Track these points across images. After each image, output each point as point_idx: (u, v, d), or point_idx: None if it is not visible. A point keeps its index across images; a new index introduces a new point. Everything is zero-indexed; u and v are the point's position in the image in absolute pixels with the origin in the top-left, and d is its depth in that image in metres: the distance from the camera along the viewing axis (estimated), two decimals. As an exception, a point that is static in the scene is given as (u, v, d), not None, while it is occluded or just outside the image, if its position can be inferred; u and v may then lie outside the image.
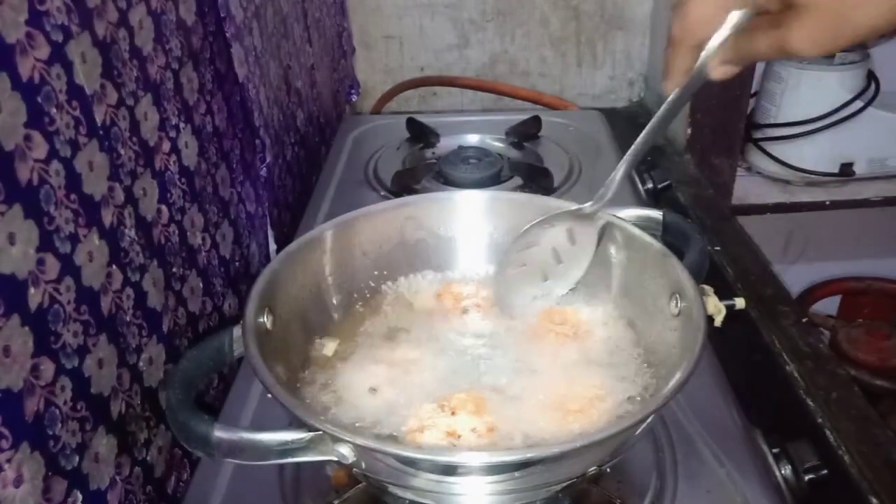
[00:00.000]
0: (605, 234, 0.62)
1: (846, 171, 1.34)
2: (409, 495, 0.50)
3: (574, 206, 0.61)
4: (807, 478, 0.61)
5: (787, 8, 0.44)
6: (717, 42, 0.48)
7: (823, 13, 0.43)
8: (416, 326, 0.63)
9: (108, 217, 0.53)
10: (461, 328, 0.63)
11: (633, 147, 0.56)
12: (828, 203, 1.35)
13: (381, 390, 0.55)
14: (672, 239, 0.60)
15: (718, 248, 1.00)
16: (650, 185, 1.06)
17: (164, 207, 0.63)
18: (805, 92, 1.30)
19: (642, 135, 0.55)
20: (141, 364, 0.58)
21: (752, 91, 1.28)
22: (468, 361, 0.59)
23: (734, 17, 0.47)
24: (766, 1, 0.45)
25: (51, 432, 0.45)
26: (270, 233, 0.91)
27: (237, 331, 0.52)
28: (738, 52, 0.48)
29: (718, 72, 0.50)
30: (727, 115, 1.25)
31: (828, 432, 0.70)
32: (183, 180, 0.67)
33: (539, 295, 0.64)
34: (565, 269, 0.63)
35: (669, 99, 0.53)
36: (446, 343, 0.61)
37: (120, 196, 0.55)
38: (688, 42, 0.49)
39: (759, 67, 1.36)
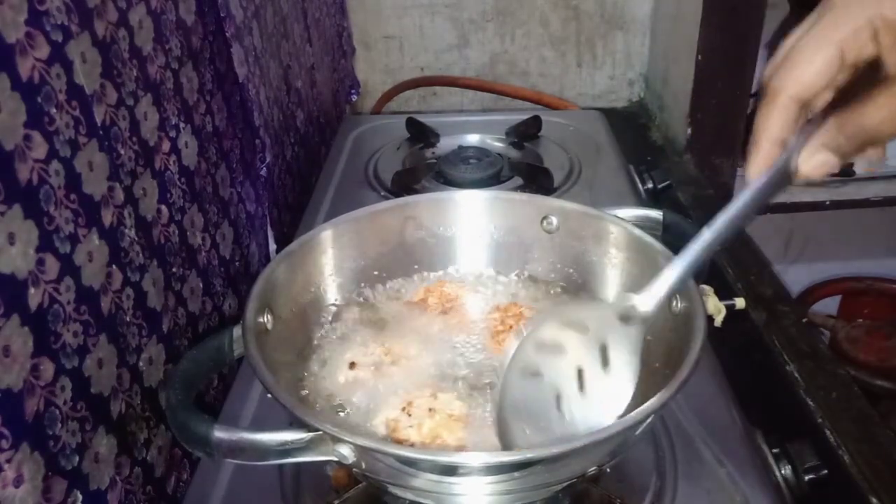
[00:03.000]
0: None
1: (846, 171, 1.33)
2: (409, 495, 0.49)
3: (619, 302, 0.49)
4: (807, 478, 0.61)
5: None
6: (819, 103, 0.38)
7: None
8: (406, 324, 0.63)
9: (108, 217, 0.53)
10: (450, 330, 0.62)
11: (698, 243, 0.46)
12: (828, 203, 1.35)
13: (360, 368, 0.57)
14: (672, 239, 0.60)
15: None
16: (650, 185, 1.06)
17: (164, 207, 0.63)
18: (805, 92, 1.29)
19: (710, 232, 0.45)
20: (141, 364, 0.58)
21: (753, 91, 1.28)
22: (453, 366, 0.59)
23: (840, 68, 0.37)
24: (889, 39, 0.36)
25: (51, 432, 0.45)
26: (270, 233, 0.91)
27: (237, 331, 0.52)
28: (845, 129, 0.39)
29: (813, 161, 0.40)
30: (727, 115, 1.25)
31: (828, 432, 0.70)
32: (183, 180, 0.67)
33: (557, 429, 0.47)
34: (600, 390, 0.48)
35: (751, 188, 0.42)
36: (435, 343, 0.61)
37: (120, 196, 0.55)
38: (787, 92, 0.39)
39: (760, 66, 1.36)
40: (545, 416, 0.47)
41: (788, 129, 0.40)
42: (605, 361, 0.48)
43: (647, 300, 0.48)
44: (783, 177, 0.41)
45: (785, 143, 0.41)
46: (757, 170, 0.42)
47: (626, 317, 0.48)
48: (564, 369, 0.48)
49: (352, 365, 0.57)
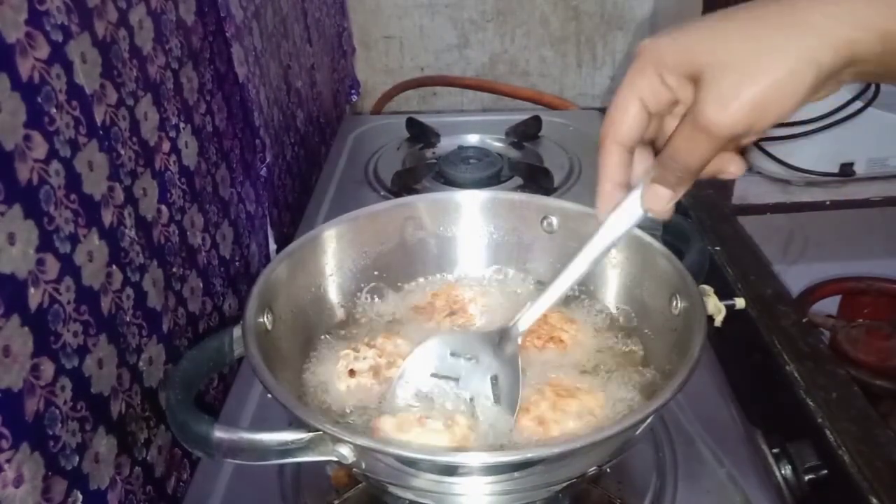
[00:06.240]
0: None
1: (846, 171, 1.33)
2: (409, 495, 0.50)
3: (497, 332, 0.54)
4: (807, 478, 0.61)
5: (695, 84, 0.39)
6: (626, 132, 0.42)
7: (732, 67, 0.37)
8: (409, 326, 0.63)
9: (108, 217, 0.53)
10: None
11: (557, 281, 0.50)
12: (828, 203, 1.35)
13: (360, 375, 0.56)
14: (672, 239, 0.60)
15: (718, 248, 1.00)
16: (650, 185, 1.06)
17: (164, 207, 0.63)
18: (805, 92, 1.29)
19: (569, 269, 0.49)
20: (141, 364, 0.58)
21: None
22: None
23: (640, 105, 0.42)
24: (673, 80, 0.40)
25: (51, 432, 0.45)
26: (270, 233, 0.91)
27: (237, 331, 0.52)
28: (661, 162, 0.42)
29: (649, 196, 0.43)
30: (727, 115, 1.25)
31: (828, 432, 0.70)
32: (183, 180, 0.67)
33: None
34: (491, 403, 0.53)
35: (603, 227, 0.47)
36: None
37: (120, 196, 0.55)
38: (608, 138, 0.44)
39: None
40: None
41: (619, 170, 0.44)
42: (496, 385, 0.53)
43: (519, 328, 0.53)
44: (638, 211, 0.45)
45: (623, 182, 0.45)
46: (602, 208, 0.46)
47: (502, 340, 0.53)
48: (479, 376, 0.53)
49: (351, 372, 0.57)
